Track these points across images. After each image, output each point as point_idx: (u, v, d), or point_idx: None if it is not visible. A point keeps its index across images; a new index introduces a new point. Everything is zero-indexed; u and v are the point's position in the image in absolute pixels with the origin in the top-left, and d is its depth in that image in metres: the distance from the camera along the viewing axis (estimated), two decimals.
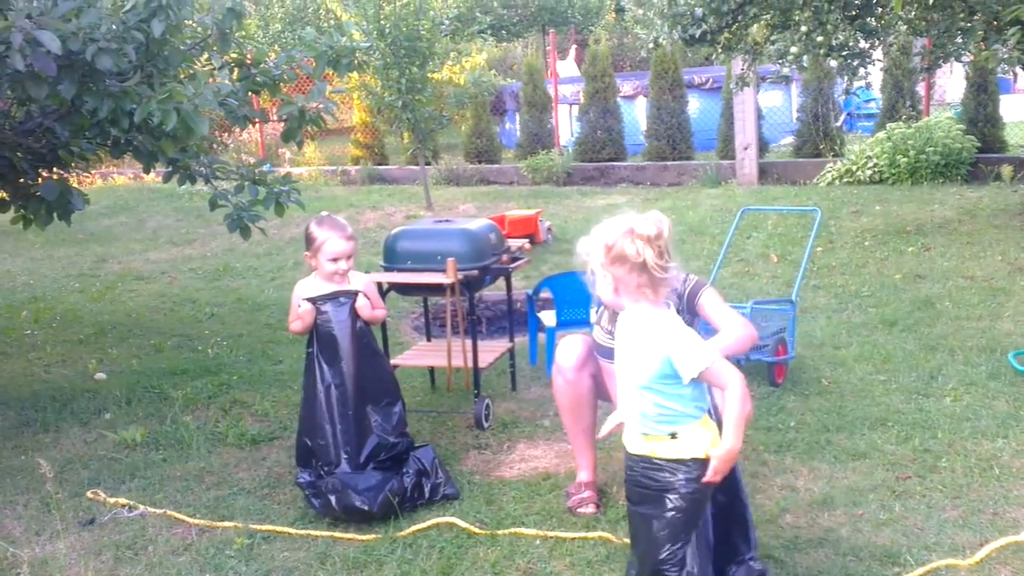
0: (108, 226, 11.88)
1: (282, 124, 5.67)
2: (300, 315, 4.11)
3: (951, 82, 16.83)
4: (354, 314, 4.12)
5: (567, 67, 20.33)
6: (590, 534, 3.71)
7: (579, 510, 3.93)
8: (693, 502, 2.79)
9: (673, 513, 2.77)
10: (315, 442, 4.06)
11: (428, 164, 13.08)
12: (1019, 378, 5.09)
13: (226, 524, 3.94)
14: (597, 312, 4.04)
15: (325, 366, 4.08)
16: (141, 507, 4.12)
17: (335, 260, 4.08)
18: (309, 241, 4.13)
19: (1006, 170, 10.99)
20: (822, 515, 3.75)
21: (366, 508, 3.84)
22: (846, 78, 9.31)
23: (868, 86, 11.54)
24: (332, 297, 4.12)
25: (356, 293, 4.15)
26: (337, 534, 3.81)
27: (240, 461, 4.65)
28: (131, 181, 15.72)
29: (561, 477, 4.25)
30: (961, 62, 10.15)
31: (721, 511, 3.13)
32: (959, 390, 5.01)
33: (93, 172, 14.96)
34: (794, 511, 3.78)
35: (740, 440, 2.74)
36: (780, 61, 9.18)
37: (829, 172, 12.00)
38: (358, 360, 4.10)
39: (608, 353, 3.90)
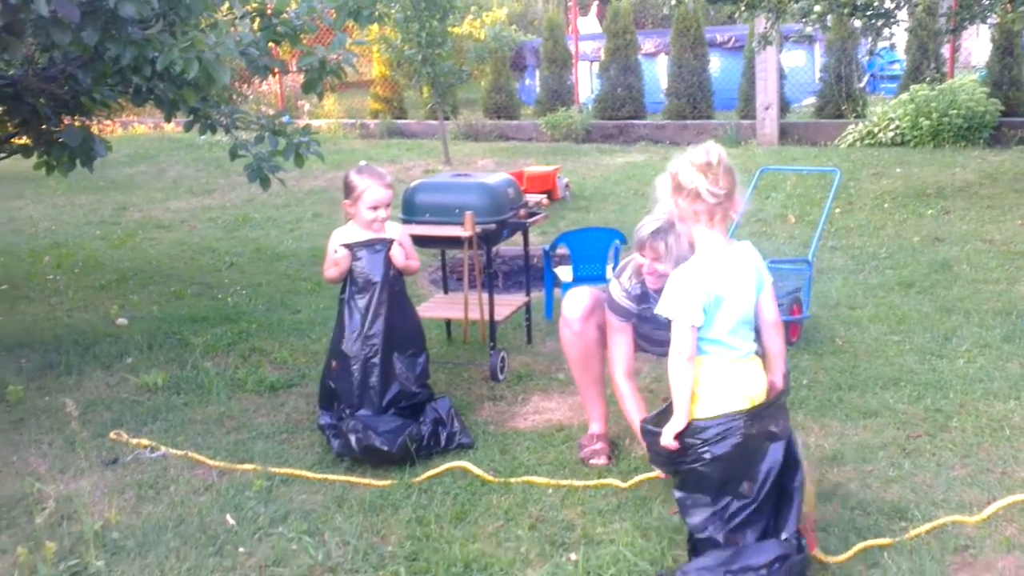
0: (129, 175, 11.94)
1: (302, 76, 5.69)
2: (336, 261, 4.19)
3: (977, 44, 16.61)
4: (388, 262, 4.19)
5: (588, 23, 20.15)
6: (601, 482, 3.77)
7: (591, 461, 3.99)
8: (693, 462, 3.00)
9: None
10: (339, 385, 4.14)
11: (447, 119, 13.07)
12: None
13: (245, 467, 4.03)
14: (617, 269, 4.07)
15: (357, 311, 4.16)
16: (163, 448, 4.21)
17: (375, 208, 4.17)
18: (349, 189, 4.20)
19: None
20: (832, 470, 3.79)
21: (385, 449, 3.92)
22: (870, 38, 9.24)
23: (892, 47, 11.40)
24: (368, 244, 4.20)
25: (391, 241, 4.22)
26: (353, 479, 3.89)
27: (259, 407, 4.73)
28: (151, 130, 15.78)
29: (574, 429, 4.31)
30: (987, 24, 10.03)
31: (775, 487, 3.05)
32: (973, 352, 5.03)
33: (114, 120, 15.04)
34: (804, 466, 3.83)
35: (680, 414, 2.99)
36: (804, 20, 9.10)
37: (850, 133, 11.93)
38: (389, 307, 4.17)
39: (622, 311, 3.94)
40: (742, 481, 3.00)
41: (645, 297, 3.88)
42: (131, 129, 15.91)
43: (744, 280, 3.07)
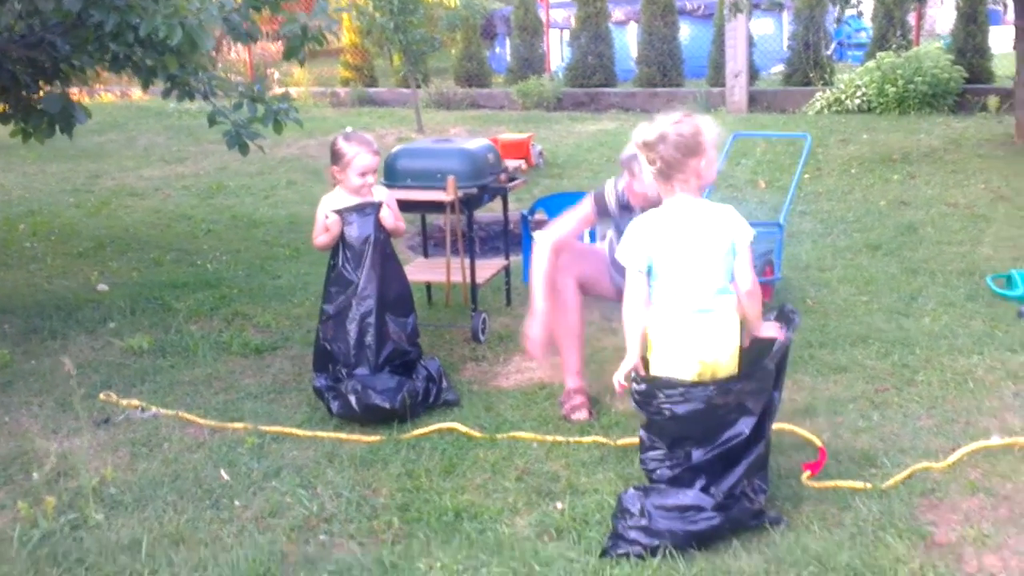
0: (99, 143, 11.87)
1: (271, 44, 5.72)
2: (328, 226, 4.26)
3: (942, 12, 16.83)
4: (379, 224, 4.28)
5: None
6: (584, 438, 3.90)
7: (573, 416, 4.12)
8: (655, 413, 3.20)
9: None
10: (335, 346, 4.23)
11: (419, 87, 13.08)
12: (996, 299, 5.29)
13: (236, 425, 4.12)
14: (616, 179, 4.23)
15: (350, 274, 4.25)
16: (153, 408, 4.29)
17: (363, 174, 4.25)
18: (337, 156, 4.27)
19: (992, 101, 11.13)
20: (804, 422, 3.95)
21: (387, 406, 4.03)
22: (838, 6, 9.38)
23: (859, 15, 11.61)
24: (358, 208, 4.27)
25: (380, 204, 4.31)
26: (343, 435, 4.00)
27: (245, 369, 4.82)
28: (118, 99, 15.65)
29: (556, 387, 4.43)
30: None
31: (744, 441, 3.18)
32: (938, 310, 5.21)
33: (81, 89, 14.87)
34: (778, 419, 3.96)
35: (630, 355, 3.22)
36: None
37: (818, 101, 12.10)
38: (382, 269, 4.27)
39: (602, 204, 4.20)
40: (700, 441, 3.16)
41: (628, 209, 4.07)
42: (97, 98, 15.75)
43: (703, 236, 3.19)
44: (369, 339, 4.21)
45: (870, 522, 3.16)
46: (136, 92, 16.07)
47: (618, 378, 3.27)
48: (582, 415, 4.12)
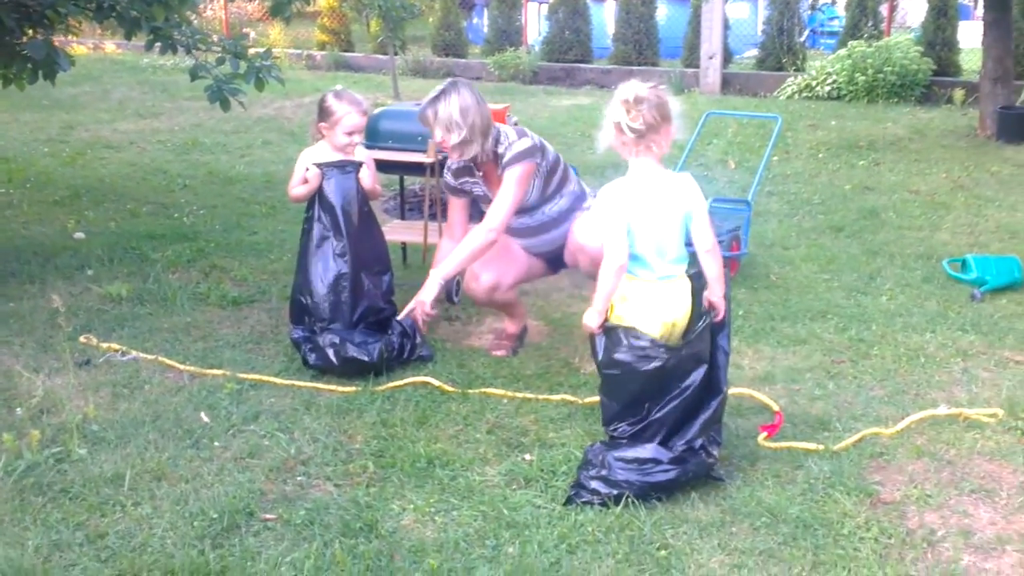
0: (73, 95, 11.81)
1: (248, 4, 5.77)
2: (307, 178, 4.34)
3: (914, 5, 17.08)
4: (358, 183, 4.38)
5: None
6: (553, 396, 4.05)
7: (494, 352, 4.52)
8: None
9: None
10: (310, 300, 4.33)
11: (396, 54, 13.11)
12: (951, 282, 5.50)
13: (215, 371, 4.23)
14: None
15: (326, 229, 4.34)
16: (133, 352, 4.39)
17: (350, 133, 4.35)
18: (326, 113, 4.35)
19: (958, 93, 11.38)
20: (763, 389, 4.12)
21: (365, 359, 4.15)
22: None
23: (833, 3, 11.79)
24: (339, 165, 4.37)
25: (360, 164, 4.40)
26: (320, 385, 4.12)
27: (223, 319, 4.92)
28: (91, 51, 15.51)
29: (527, 348, 4.59)
30: None
31: (697, 391, 3.35)
32: (895, 290, 5.41)
33: (54, 40, 14.73)
34: (738, 384, 4.14)
35: (596, 307, 3.36)
36: None
37: (789, 86, 12.30)
38: (357, 227, 4.37)
39: (446, 186, 4.53)
40: (655, 396, 3.32)
41: (466, 170, 4.39)
42: (70, 49, 15.58)
43: (666, 205, 3.35)
44: (344, 296, 4.32)
45: (821, 480, 3.35)
46: (110, 45, 15.96)
47: (589, 321, 3.39)
48: (501, 352, 4.51)
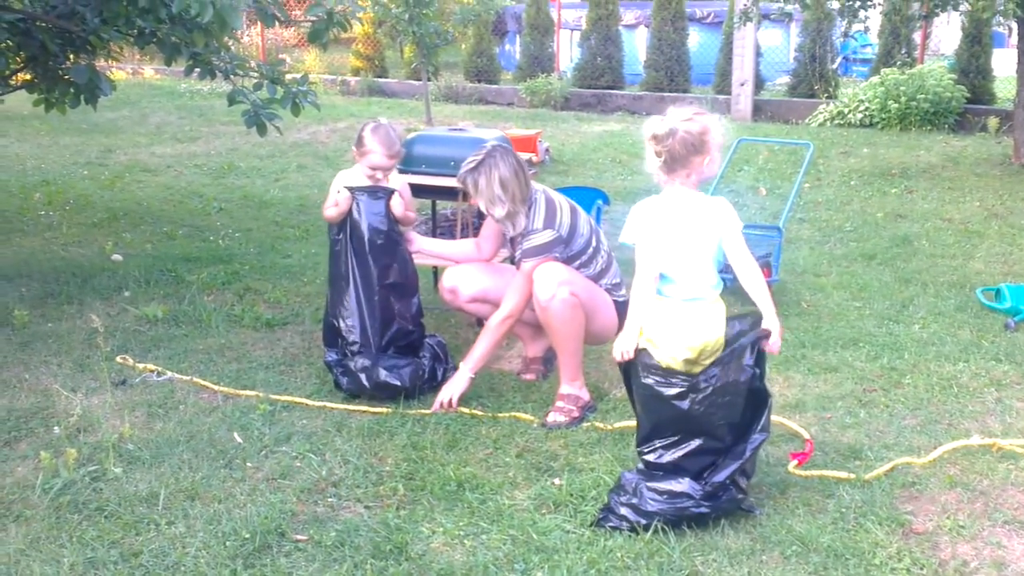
0: (111, 119, 12.02)
1: (283, 30, 5.87)
2: (338, 201, 4.39)
3: (947, 33, 17.03)
4: (387, 209, 4.39)
5: None
6: (583, 422, 4.06)
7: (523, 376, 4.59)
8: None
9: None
10: (341, 323, 4.37)
11: (430, 79, 13.24)
12: (984, 311, 5.46)
13: (249, 392, 4.28)
14: None
15: (353, 253, 4.37)
16: (168, 373, 4.45)
17: (374, 170, 4.38)
18: (359, 142, 4.39)
19: (992, 121, 11.31)
20: (794, 417, 4.12)
21: (398, 384, 4.17)
22: (845, 21, 9.55)
23: (866, 30, 11.78)
24: (370, 190, 4.39)
25: (393, 191, 4.42)
26: (351, 407, 4.16)
27: (256, 341, 4.98)
28: (130, 76, 15.77)
29: (555, 373, 4.60)
30: (958, 11, 10.39)
31: (736, 428, 3.33)
32: (928, 319, 5.38)
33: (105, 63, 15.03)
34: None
35: (632, 324, 3.35)
36: None
37: (821, 113, 12.28)
38: (385, 251, 4.40)
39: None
40: (687, 425, 3.29)
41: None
42: (109, 74, 15.88)
43: (695, 226, 3.34)
44: (371, 319, 4.34)
45: (852, 509, 3.33)
46: (148, 70, 16.23)
47: (619, 347, 3.37)
48: (530, 376, 4.59)
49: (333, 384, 4.34)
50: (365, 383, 4.20)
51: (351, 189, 4.40)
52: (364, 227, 4.38)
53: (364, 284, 4.36)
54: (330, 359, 4.39)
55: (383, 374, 4.19)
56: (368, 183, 4.43)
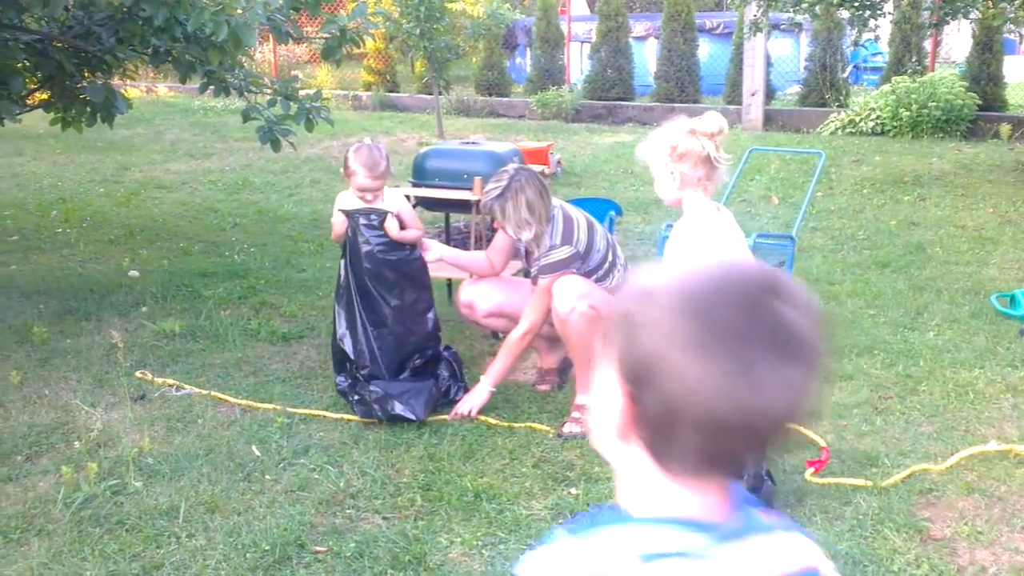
0: (126, 136, 12.11)
1: (296, 47, 5.92)
2: (334, 224, 4.41)
3: (958, 40, 17.02)
4: (382, 231, 4.33)
5: (579, 5, 20.40)
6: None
7: (539, 387, 4.61)
8: None
9: None
10: (348, 347, 4.34)
11: (441, 93, 13.30)
12: (999, 318, 5.46)
13: (266, 406, 4.31)
14: None
15: (353, 276, 4.34)
16: (187, 387, 4.49)
17: (361, 191, 4.33)
18: (344, 164, 4.37)
19: (1005, 128, 11.28)
20: (809, 424, 4.11)
21: (412, 417, 4.09)
22: (855, 30, 9.56)
23: (876, 39, 11.76)
24: (364, 212, 4.33)
25: (386, 214, 4.33)
26: (368, 420, 4.18)
27: (273, 355, 5.01)
28: (143, 94, 15.88)
29: (570, 383, 4.62)
30: (968, 19, 10.40)
31: None
32: (943, 326, 5.38)
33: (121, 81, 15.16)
34: None
35: None
36: (794, 8, 9.41)
37: (832, 122, 12.28)
38: (386, 273, 4.33)
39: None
40: None
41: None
42: (123, 92, 16.00)
43: (733, 240, 3.35)
44: (382, 342, 4.32)
45: (869, 516, 3.34)
46: (162, 88, 16.35)
47: None
48: (545, 387, 4.59)
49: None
50: (379, 415, 4.13)
51: (346, 212, 4.38)
52: (362, 251, 4.34)
53: (367, 308, 4.33)
54: (342, 387, 4.34)
55: (398, 407, 4.11)
56: (363, 204, 4.39)
